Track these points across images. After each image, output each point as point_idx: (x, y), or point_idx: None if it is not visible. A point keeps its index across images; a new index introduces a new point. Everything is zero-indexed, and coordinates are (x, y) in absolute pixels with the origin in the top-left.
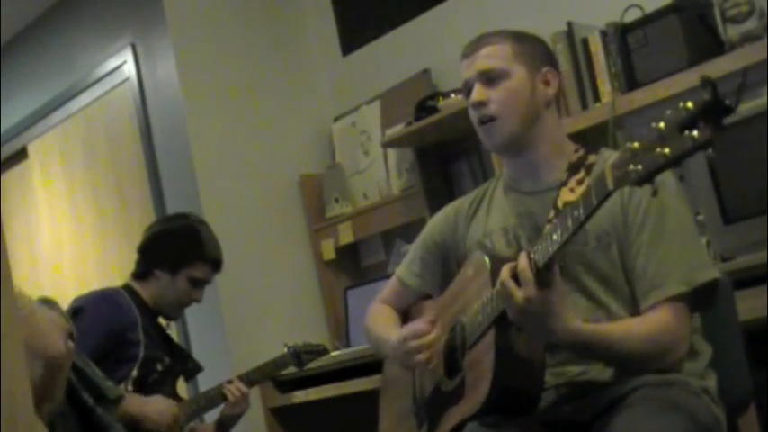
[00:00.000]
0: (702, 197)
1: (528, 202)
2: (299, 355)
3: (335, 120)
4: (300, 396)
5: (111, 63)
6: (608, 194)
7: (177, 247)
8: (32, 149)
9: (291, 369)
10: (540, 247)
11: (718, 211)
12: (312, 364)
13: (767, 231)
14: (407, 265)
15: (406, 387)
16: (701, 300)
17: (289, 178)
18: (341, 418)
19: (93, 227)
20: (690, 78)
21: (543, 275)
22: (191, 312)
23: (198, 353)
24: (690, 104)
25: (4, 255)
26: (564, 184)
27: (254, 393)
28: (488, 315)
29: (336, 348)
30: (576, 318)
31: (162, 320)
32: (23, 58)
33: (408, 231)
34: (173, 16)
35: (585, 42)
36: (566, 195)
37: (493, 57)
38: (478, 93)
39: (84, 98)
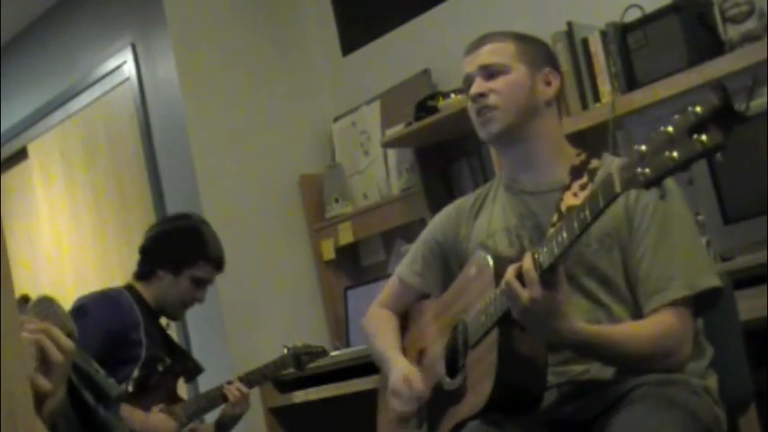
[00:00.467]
0: (702, 197)
1: (530, 202)
2: (299, 356)
3: (335, 120)
4: (300, 396)
5: (111, 63)
6: (615, 197)
7: (180, 248)
8: (32, 149)
9: (291, 370)
10: (545, 248)
11: (718, 211)
12: (312, 365)
13: (767, 231)
14: (408, 265)
15: None
16: (703, 305)
17: (289, 178)
18: (341, 418)
19: (93, 227)
20: (690, 78)
21: (548, 276)
22: (191, 312)
23: (198, 353)
24: (699, 108)
25: (4, 255)
26: (567, 188)
27: (254, 393)
28: (491, 315)
29: (336, 348)
30: (579, 318)
31: (163, 321)
32: (23, 58)
33: (408, 231)
34: (173, 16)
35: (585, 42)
36: (570, 200)
37: (495, 53)
38: (479, 85)
39: (84, 98)
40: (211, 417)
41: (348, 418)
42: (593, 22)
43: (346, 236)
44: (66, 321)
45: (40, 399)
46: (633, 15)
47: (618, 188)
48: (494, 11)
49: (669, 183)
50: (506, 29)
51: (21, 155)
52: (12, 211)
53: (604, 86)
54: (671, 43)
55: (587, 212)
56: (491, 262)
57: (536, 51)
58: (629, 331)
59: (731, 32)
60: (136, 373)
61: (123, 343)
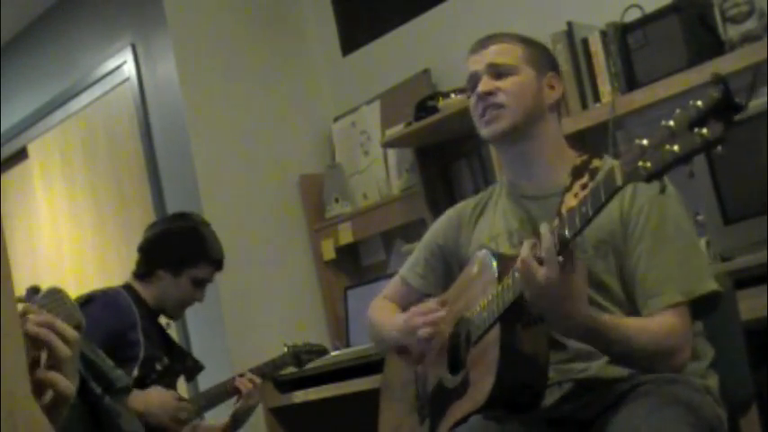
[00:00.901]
0: (702, 197)
1: (531, 207)
2: (299, 355)
3: (335, 120)
4: (300, 396)
5: (111, 63)
6: (617, 190)
7: (180, 248)
8: (32, 149)
9: (291, 369)
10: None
11: (718, 211)
12: (312, 364)
13: (767, 231)
14: (411, 267)
15: (408, 384)
16: (700, 309)
17: (289, 178)
18: (341, 418)
19: (93, 227)
20: (690, 78)
21: (563, 258)
22: (191, 312)
23: (198, 353)
24: (700, 102)
25: (4, 255)
26: (568, 189)
27: None
28: (494, 311)
29: (336, 348)
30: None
31: (162, 320)
32: (23, 58)
33: (408, 231)
34: (173, 16)
35: (585, 42)
36: (570, 201)
37: (503, 53)
38: (487, 83)
39: (84, 98)
40: (211, 416)
41: (348, 418)
42: (593, 22)
43: (346, 236)
44: (75, 312)
45: (41, 391)
46: (633, 15)
47: (619, 181)
48: (494, 11)
49: (667, 185)
50: (506, 29)
51: (21, 155)
52: (12, 211)
53: (604, 86)
54: (671, 43)
55: (589, 206)
56: (493, 260)
57: (541, 55)
58: (640, 325)
59: (731, 32)
60: (134, 373)
61: (121, 343)
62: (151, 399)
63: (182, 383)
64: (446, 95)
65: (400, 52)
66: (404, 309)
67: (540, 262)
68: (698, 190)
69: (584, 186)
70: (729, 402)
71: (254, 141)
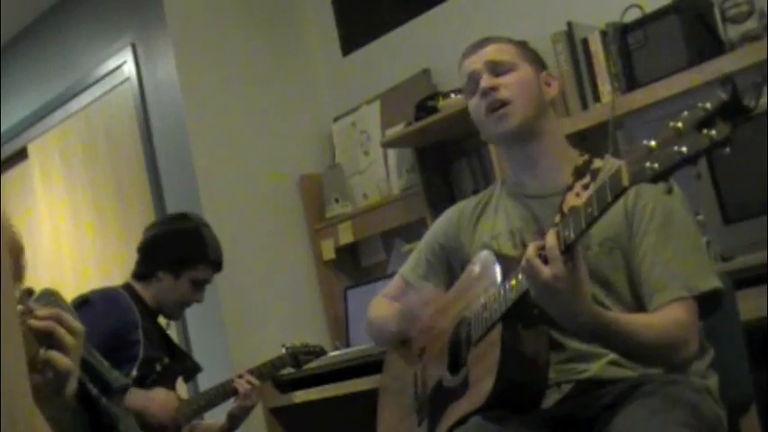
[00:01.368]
0: (702, 197)
1: (533, 206)
2: (297, 356)
3: (335, 120)
4: (300, 396)
5: (111, 63)
6: (623, 190)
7: (180, 250)
8: (32, 149)
9: (290, 369)
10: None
11: (718, 211)
12: (312, 364)
13: (767, 231)
14: (412, 267)
15: (407, 383)
16: (704, 309)
17: (289, 178)
18: (341, 418)
19: (94, 227)
20: (690, 78)
21: (568, 256)
22: (191, 312)
23: (198, 353)
24: (709, 104)
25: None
26: (570, 188)
27: None
28: (495, 311)
29: (336, 348)
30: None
31: (162, 320)
32: (23, 58)
33: (408, 231)
34: (173, 16)
35: (585, 42)
36: (572, 200)
37: (500, 52)
38: (488, 80)
39: (84, 98)
40: (210, 415)
41: (348, 418)
42: (593, 22)
43: (346, 236)
44: (70, 313)
45: (40, 393)
46: (633, 15)
47: (626, 182)
48: (493, 11)
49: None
50: (506, 29)
51: (21, 155)
52: (12, 211)
53: (604, 86)
54: (671, 43)
55: (594, 207)
56: (495, 260)
57: (535, 55)
58: (645, 321)
59: (731, 32)
60: (134, 373)
61: (121, 343)
62: (153, 399)
63: (181, 384)
64: (446, 95)
65: (400, 52)
66: None
67: (546, 261)
68: (698, 190)
69: (585, 186)
70: (729, 402)
71: (254, 141)
